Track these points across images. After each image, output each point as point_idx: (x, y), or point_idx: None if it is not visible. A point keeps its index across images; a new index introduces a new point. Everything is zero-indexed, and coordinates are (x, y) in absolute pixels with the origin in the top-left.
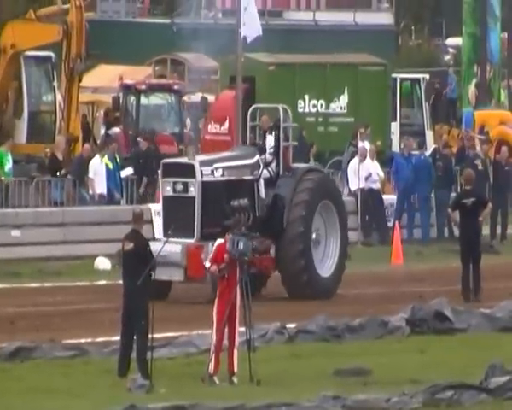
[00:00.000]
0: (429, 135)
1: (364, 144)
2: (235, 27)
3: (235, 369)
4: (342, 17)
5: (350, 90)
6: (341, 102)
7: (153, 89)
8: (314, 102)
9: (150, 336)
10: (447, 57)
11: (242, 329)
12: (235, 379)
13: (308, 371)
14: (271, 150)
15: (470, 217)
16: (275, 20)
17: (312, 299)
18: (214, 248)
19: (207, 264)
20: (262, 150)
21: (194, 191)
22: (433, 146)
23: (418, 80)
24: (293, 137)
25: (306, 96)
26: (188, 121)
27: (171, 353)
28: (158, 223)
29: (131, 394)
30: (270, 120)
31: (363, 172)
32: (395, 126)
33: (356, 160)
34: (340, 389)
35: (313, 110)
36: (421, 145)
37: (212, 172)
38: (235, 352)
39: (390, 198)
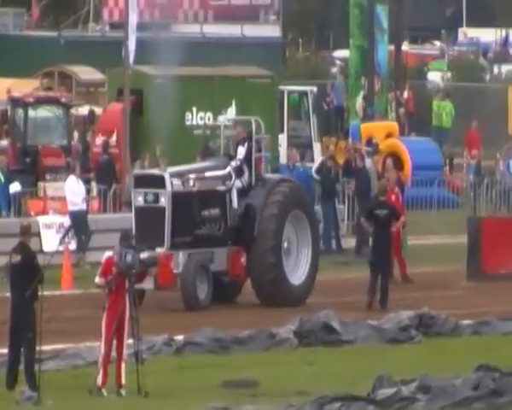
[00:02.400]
0: (317, 147)
1: None
2: (122, 40)
3: (123, 381)
4: (230, 30)
5: (238, 103)
6: (229, 115)
7: (40, 101)
8: (202, 114)
9: (38, 348)
10: (334, 69)
11: (131, 341)
12: (122, 391)
13: (196, 383)
14: (239, 161)
15: (382, 228)
16: (162, 33)
17: (284, 306)
18: (103, 261)
19: (96, 278)
20: (232, 160)
21: (164, 202)
22: (321, 158)
23: (306, 93)
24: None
25: (194, 109)
26: (75, 134)
27: (59, 365)
28: (46, 236)
29: (19, 406)
30: (244, 132)
31: None
32: (283, 138)
33: None
34: (228, 401)
35: (201, 123)
36: (303, 156)
37: (183, 183)
38: (123, 364)
39: None
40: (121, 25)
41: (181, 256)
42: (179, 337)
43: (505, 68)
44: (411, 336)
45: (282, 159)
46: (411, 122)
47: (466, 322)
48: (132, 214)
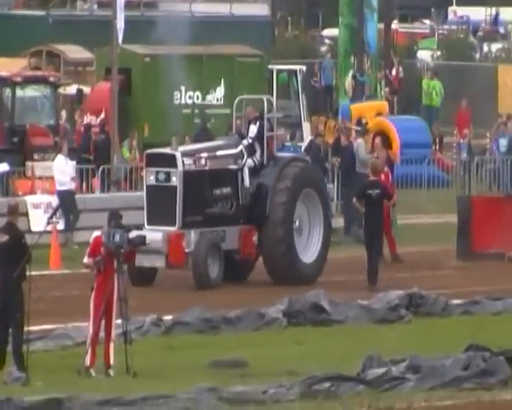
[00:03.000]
0: (306, 126)
1: None
2: (110, 19)
3: (112, 361)
4: (218, 8)
5: (226, 82)
6: (218, 94)
7: (28, 81)
8: (190, 93)
9: (26, 328)
10: (324, 48)
11: (119, 321)
12: (111, 372)
13: (184, 363)
14: (250, 139)
15: (375, 207)
16: (150, 12)
17: (295, 285)
18: (91, 241)
19: (84, 258)
20: (243, 139)
21: (175, 181)
22: (310, 137)
23: (295, 71)
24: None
25: (183, 88)
26: (63, 113)
27: (47, 345)
28: (34, 215)
29: (8, 387)
30: (256, 111)
31: None
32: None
33: None
34: (217, 381)
35: (189, 102)
36: (293, 136)
37: (195, 161)
38: (112, 344)
39: None
40: (109, 3)
41: (192, 235)
42: (168, 317)
43: (495, 47)
44: (401, 316)
45: None
46: (400, 100)
47: (456, 302)
48: (144, 193)
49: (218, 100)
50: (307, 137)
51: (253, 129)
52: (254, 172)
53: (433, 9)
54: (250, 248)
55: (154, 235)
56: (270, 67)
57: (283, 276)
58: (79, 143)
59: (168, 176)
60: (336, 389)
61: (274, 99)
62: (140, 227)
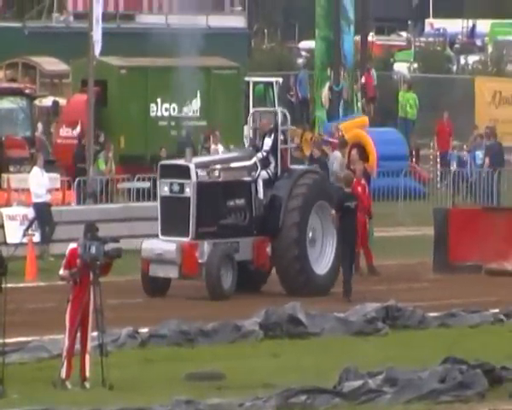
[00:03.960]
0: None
1: (218, 147)
2: (86, 31)
3: (88, 374)
4: (195, 20)
5: (203, 94)
6: (194, 106)
7: (4, 93)
8: (166, 105)
9: (1, 340)
10: (300, 60)
11: (95, 333)
12: (87, 384)
13: (161, 376)
14: (265, 152)
15: (352, 219)
16: (127, 24)
17: (309, 296)
18: (67, 253)
19: (60, 270)
20: (258, 151)
21: (189, 192)
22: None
23: (271, 83)
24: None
25: (159, 100)
26: (39, 125)
27: (23, 358)
28: (9, 227)
29: None
30: (270, 123)
31: None
32: (248, 129)
33: None
34: (193, 394)
35: (166, 114)
36: None
37: (208, 173)
38: (88, 357)
39: None
40: (85, 15)
41: (206, 246)
42: (144, 330)
43: (472, 59)
44: (378, 329)
45: None
46: (377, 113)
47: (433, 314)
48: (158, 204)
49: (194, 112)
50: None
51: (268, 142)
52: (268, 183)
53: (409, 22)
54: (263, 259)
55: (168, 246)
56: (246, 78)
57: (297, 287)
58: (71, 153)
59: (182, 187)
60: (313, 402)
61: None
62: (116, 239)
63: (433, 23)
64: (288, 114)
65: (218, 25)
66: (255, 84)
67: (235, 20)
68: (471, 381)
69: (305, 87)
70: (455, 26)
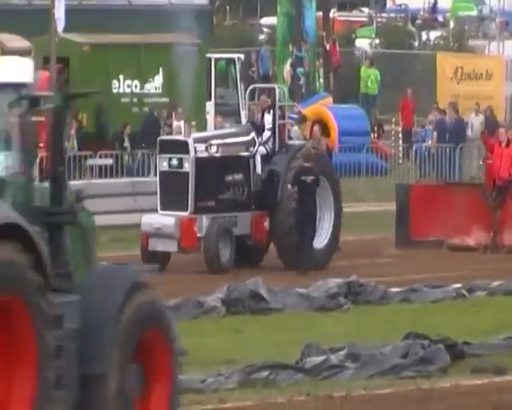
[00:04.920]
0: (244, 115)
1: (180, 124)
2: (48, 8)
3: None
4: None
5: (165, 71)
6: (156, 83)
7: None
8: (128, 82)
9: None
10: (262, 37)
11: None
12: None
13: None
14: (269, 130)
15: (308, 193)
16: (88, 1)
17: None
18: None
19: None
20: (260, 129)
21: (188, 167)
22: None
23: (233, 60)
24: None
25: (121, 77)
26: None
27: None
28: None
29: None
30: (269, 100)
31: None
32: (210, 106)
33: None
34: None
35: (128, 91)
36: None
37: (207, 148)
38: None
39: None
40: None
41: (204, 220)
42: None
43: (434, 35)
44: (340, 304)
45: (210, 126)
46: (339, 88)
47: (395, 290)
48: (157, 179)
49: (156, 88)
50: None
51: (269, 119)
52: (266, 159)
53: None
54: (261, 233)
55: (167, 220)
56: (208, 55)
57: (295, 262)
58: None
59: (181, 162)
60: (275, 378)
61: (212, 87)
62: None
63: None
64: (284, 89)
65: (179, 2)
66: (217, 60)
67: None
68: (433, 356)
69: (267, 64)
70: (416, 1)
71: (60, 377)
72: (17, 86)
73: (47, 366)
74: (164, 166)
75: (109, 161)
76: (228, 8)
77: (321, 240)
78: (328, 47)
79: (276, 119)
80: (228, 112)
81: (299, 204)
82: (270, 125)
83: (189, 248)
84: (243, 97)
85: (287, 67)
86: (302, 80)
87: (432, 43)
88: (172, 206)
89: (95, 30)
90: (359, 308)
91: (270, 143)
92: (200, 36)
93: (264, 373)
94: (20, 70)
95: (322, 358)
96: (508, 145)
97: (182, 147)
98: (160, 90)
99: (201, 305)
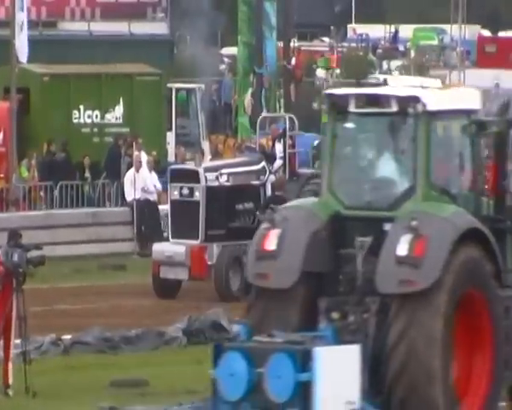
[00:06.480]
0: (205, 145)
1: (140, 154)
2: (8, 38)
3: (11, 381)
4: (117, 27)
5: (125, 101)
6: (117, 113)
7: None
8: (89, 112)
9: None
10: (223, 67)
11: (18, 341)
12: (10, 391)
13: (84, 383)
14: (281, 159)
15: None
16: (49, 31)
17: None
18: None
19: None
20: (271, 157)
21: (198, 196)
22: (209, 157)
23: (194, 90)
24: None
25: (81, 107)
26: None
27: None
28: None
29: None
30: (279, 129)
31: (139, 182)
32: (171, 136)
33: (132, 170)
34: (117, 401)
35: (88, 121)
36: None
37: (217, 177)
38: (10, 364)
39: (166, 208)
40: (8, 23)
41: (215, 248)
42: (67, 337)
43: (394, 64)
44: None
45: (171, 157)
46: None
47: None
48: (168, 208)
49: (117, 119)
50: (207, 155)
51: (280, 147)
52: None
53: (332, 27)
54: None
55: (178, 248)
56: (169, 85)
57: None
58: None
59: (191, 191)
60: None
61: (173, 117)
62: (39, 247)
63: (356, 28)
64: (294, 119)
65: (140, 32)
66: (178, 90)
67: (158, 27)
68: None
69: (229, 93)
70: (377, 31)
71: (507, 360)
72: (468, 112)
73: (499, 349)
74: (175, 194)
75: (69, 192)
76: (188, 37)
77: None
78: (293, 61)
79: (287, 147)
80: (189, 142)
81: None
82: (281, 154)
83: (199, 277)
84: (204, 128)
85: (248, 97)
86: (264, 111)
87: (393, 72)
88: (183, 234)
89: (55, 60)
90: None
91: (280, 172)
92: (161, 66)
93: None
94: (469, 98)
95: None
96: None
97: (192, 176)
98: (120, 121)
99: (162, 335)
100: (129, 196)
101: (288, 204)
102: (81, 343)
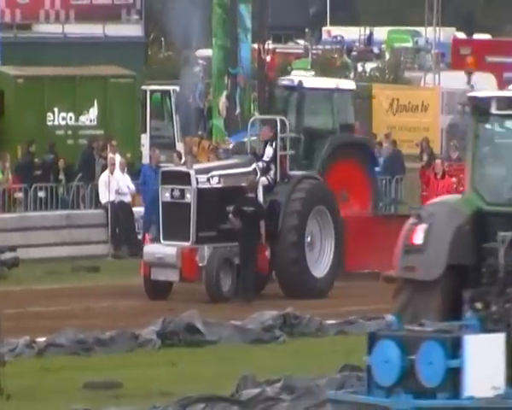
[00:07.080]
0: (180, 147)
1: (115, 157)
2: None
3: None
4: (92, 29)
5: (99, 103)
6: (91, 115)
7: None
8: (63, 114)
9: None
10: (197, 69)
11: None
12: None
13: (58, 385)
14: (267, 160)
15: (249, 224)
16: (23, 33)
17: (308, 299)
18: None
19: None
20: (259, 159)
21: (189, 198)
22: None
23: (168, 92)
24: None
25: (56, 109)
26: None
27: None
28: None
29: None
30: (270, 131)
31: (113, 184)
32: (145, 138)
33: (106, 172)
34: (91, 403)
35: (63, 123)
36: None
37: (208, 179)
38: None
39: (140, 210)
40: None
41: (206, 250)
42: (41, 339)
43: (369, 66)
44: (276, 337)
45: (145, 159)
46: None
47: (330, 322)
48: (160, 209)
49: (91, 121)
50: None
51: (269, 150)
52: (268, 189)
53: (307, 30)
54: (263, 262)
55: (169, 250)
56: (143, 87)
57: (295, 290)
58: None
59: (182, 193)
60: None
61: (148, 119)
62: (13, 249)
63: (331, 31)
64: (286, 121)
65: (114, 34)
66: (152, 92)
67: (132, 29)
68: None
69: (203, 95)
70: (352, 33)
71: None
72: None
73: None
74: (166, 196)
75: (43, 194)
76: (163, 39)
77: (320, 270)
78: (268, 59)
79: (278, 149)
80: (163, 144)
81: (240, 234)
82: (269, 158)
83: (190, 278)
84: (178, 129)
85: (222, 100)
86: (238, 111)
87: (367, 74)
88: (174, 236)
89: (29, 62)
90: (295, 341)
91: (271, 174)
92: (136, 68)
93: (200, 406)
94: None
95: (257, 390)
96: (443, 177)
97: (184, 178)
98: (95, 123)
99: (136, 337)
100: (103, 199)
101: (432, 201)
102: (55, 345)
